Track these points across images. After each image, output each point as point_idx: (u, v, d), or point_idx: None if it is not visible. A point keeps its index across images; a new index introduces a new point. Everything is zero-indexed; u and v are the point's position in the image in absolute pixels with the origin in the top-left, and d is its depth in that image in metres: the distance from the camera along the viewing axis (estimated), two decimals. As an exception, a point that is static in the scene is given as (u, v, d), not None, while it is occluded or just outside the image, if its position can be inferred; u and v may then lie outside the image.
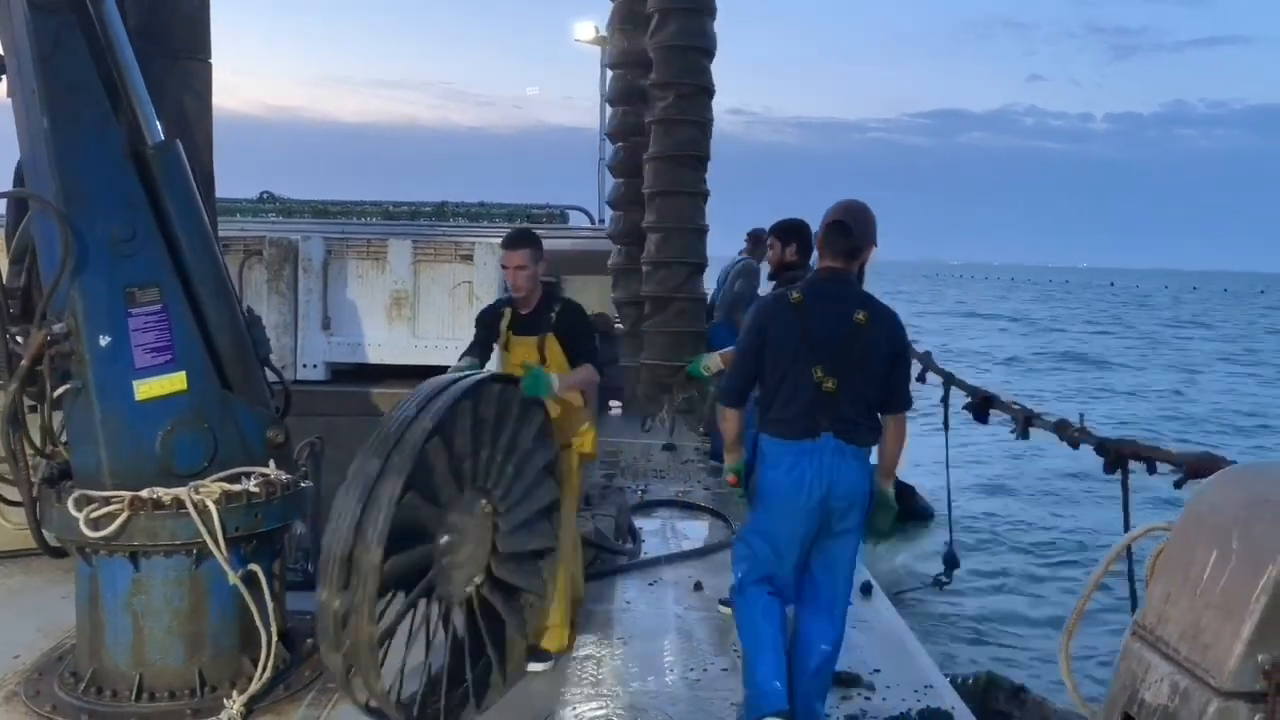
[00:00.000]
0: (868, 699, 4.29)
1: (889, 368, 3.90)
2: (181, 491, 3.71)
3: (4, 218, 3.92)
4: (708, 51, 7.90)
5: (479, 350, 4.61)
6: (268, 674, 3.86)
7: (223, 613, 3.87)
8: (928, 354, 9.02)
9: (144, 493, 3.66)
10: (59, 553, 3.88)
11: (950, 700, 4.32)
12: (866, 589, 5.78)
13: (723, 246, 8.89)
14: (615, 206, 9.24)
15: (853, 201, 4.06)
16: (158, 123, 3.91)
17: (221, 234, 4.88)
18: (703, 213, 8.05)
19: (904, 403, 4.02)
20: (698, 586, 5.64)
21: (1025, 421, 6.21)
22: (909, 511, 11.64)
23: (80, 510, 3.60)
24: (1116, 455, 4.94)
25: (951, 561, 8.18)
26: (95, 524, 3.61)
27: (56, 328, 3.60)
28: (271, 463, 4.05)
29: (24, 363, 3.57)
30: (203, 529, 3.68)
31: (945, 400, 8.00)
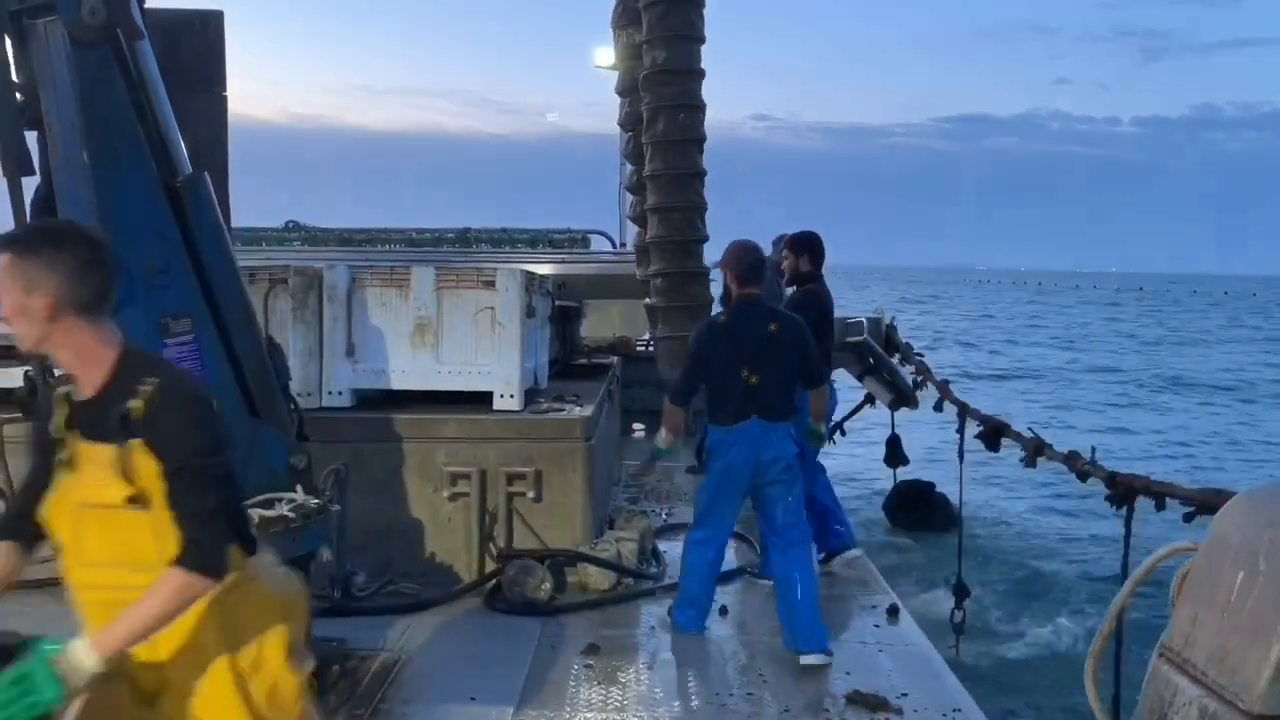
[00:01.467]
0: (895, 723, 4.26)
1: (801, 359, 5.19)
2: None
3: None
4: (696, 71, 8.57)
5: (33, 480, 2.46)
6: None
7: (249, 640, 3.88)
8: (945, 383, 9.15)
9: None
10: None
11: (979, 724, 4.28)
12: (893, 611, 5.74)
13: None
14: (634, 192, 9.73)
15: (748, 242, 5.41)
16: (185, 154, 3.99)
17: (247, 263, 4.94)
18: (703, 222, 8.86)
19: (817, 380, 5.44)
20: (723, 611, 5.61)
21: (1035, 451, 6.29)
22: (928, 507, 11.72)
23: None
24: (1126, 489, 4.94)
25: (962, 591, 8.18)
26: None
27: None
28: (299, 488, 4.09)
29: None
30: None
31: (961, 430, 8.08)
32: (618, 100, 10.27)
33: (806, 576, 5.10)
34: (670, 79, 8.37)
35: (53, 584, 5.33)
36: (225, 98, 4.23)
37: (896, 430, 11.04)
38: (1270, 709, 1.90)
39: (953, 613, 8.04)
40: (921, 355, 10.53)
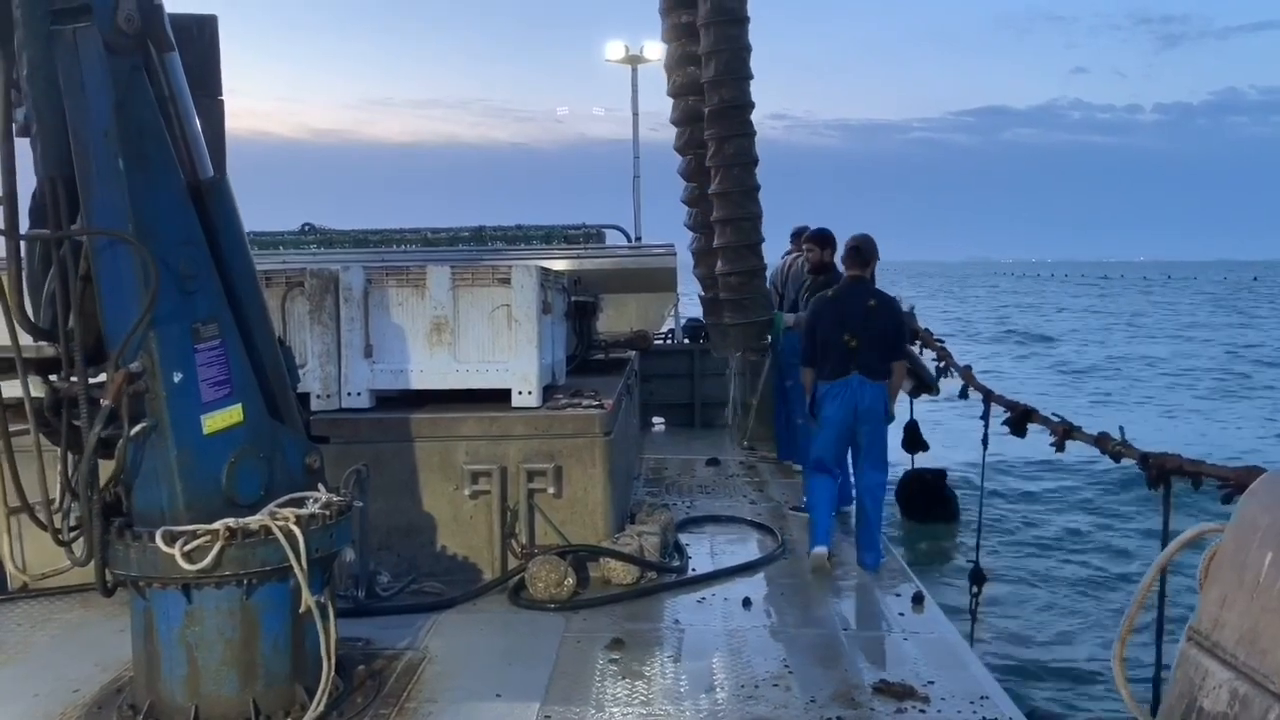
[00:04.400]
0: (922, 712, 4.23)
1: (894, 331, 6.60)
2: (265, 518, 3.78)
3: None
4: (750, 104, 10.49)
5: None
6: (324, 703, 3.90)
7: (274, 642, 3.91)
8: (968, 367, 9.12)
9: (230, 522, 3.72)
10: (110, 590, 3.93)
11: (1008, 711, 4.24)
12: (918, 599, 5.72)
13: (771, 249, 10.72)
14: (691, 205, 11.41)
15: (862, 234, 6.80)
16: (208, 158, 4.01)
17: (264, 267, 4.95)
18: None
19: (900, 355, 6.70)
20: (746, 603, 5.60)
21: (1064, 434, 6.32)
22: (939, 501, 11.69)
23: (172, 545, 3.64)
24: (1159, 470, 4.89)
25: (978, 578, 8.15)
26: (189, 557, 3.66)
27: (133, 366, 3.65)
28: (321, 486, 4.12)
29: (107, 403, 3.60)
30: (290, 553, 3.75)
31: (985, 417, 8.03)
32: (631, 103, 10.89)
33: (875, 503, 6.56)
34: (735, 113, 10.50)
35: (82, 589, 5.40)
36: (222, 102, 4.23)
37: (915, 417, 10.99)
38: (1302, 691, 1.87)
39: (972, 599, 8.01)
40: (942, 341, 10.49)
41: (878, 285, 6.93)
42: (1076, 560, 11.83)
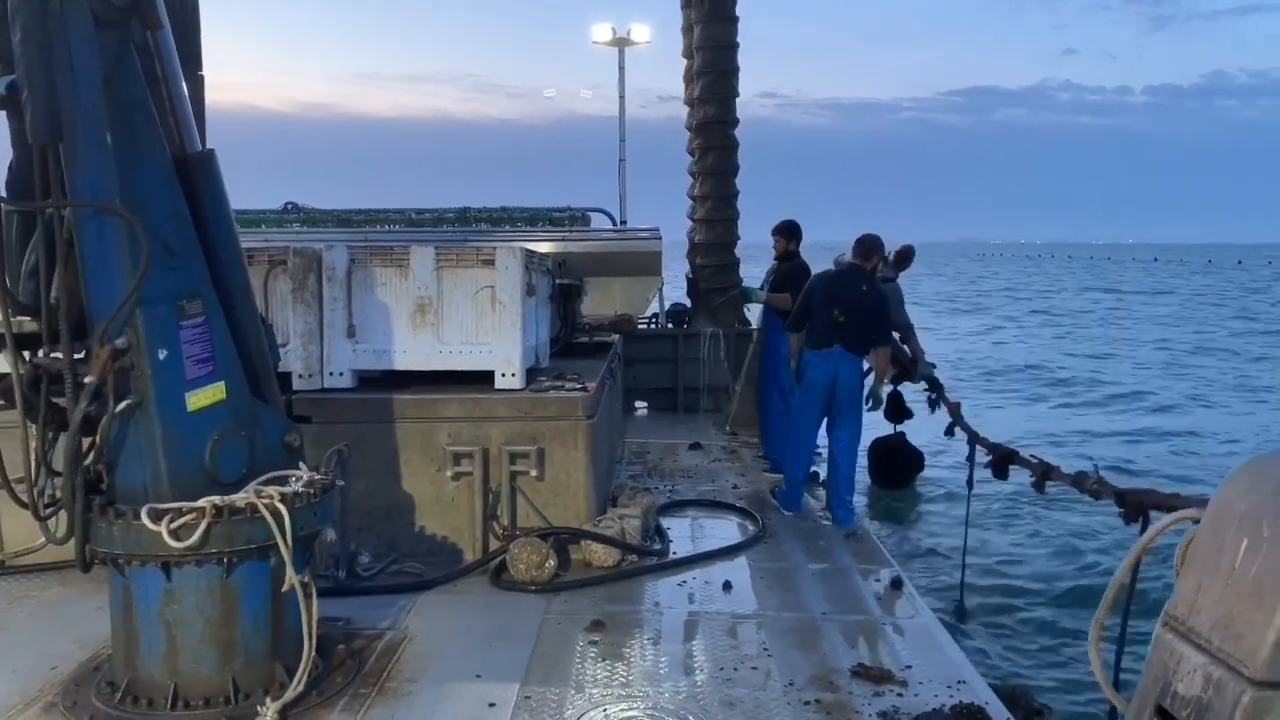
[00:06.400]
0: (900, 695, 4.27)
1: (878, 318, 7.40)
2: (251, 496, 3.77)
3: None
4: (734, 120, 12.55)
5: None
6: (304, 681, 3.89)
7: (254, 620, 3.90)
8: (957, 404, 9.33)
9: (216, 500, 3.71)
10: (89, 566, 3.91)
11: (984, 696, 4.28)
12: (897, 583, 5.76)
13: (758, 232, 11.67)
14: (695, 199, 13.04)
15: (872, 234, 7.59)
16: (196, 132, 3.98)
17: (246, 245, 4.93)
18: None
19: (882, 340, 7.57)
20: (726, 586, 5.63)
21: (1043, 475, 6.58)
22: (903, 461, 12.34)
23: (158, 522, 3.63)
24: (1138, 507, 5.01)
25: (961, 614, 8.28)
26: (175, 534, 3.64)
27: (119, 343, 3.62)
28: (302, 464, 4.11)
29: (92, 379, 3.57)
30: (276, 531, 3.74)
31: (970, 459, 8.22)
32: (619, 86, 13.87)
33: (848, 463, 7.30)
34: (719, 127, 12.34)
35: (61, 567, 5.38)
36: (202, 78, 4.19)
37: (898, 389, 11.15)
38: (1274, 675, 1.90)
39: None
40: (934, 365, 10.70)
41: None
42: (1063, 564, 11.85)
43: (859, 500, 9.56)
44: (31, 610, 5.15)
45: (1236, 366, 29.79)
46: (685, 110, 12.83)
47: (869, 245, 7.53)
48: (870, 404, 7.90)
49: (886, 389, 9.16)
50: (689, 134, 12.82)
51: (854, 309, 7.21)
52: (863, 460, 12.20)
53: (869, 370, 7.84)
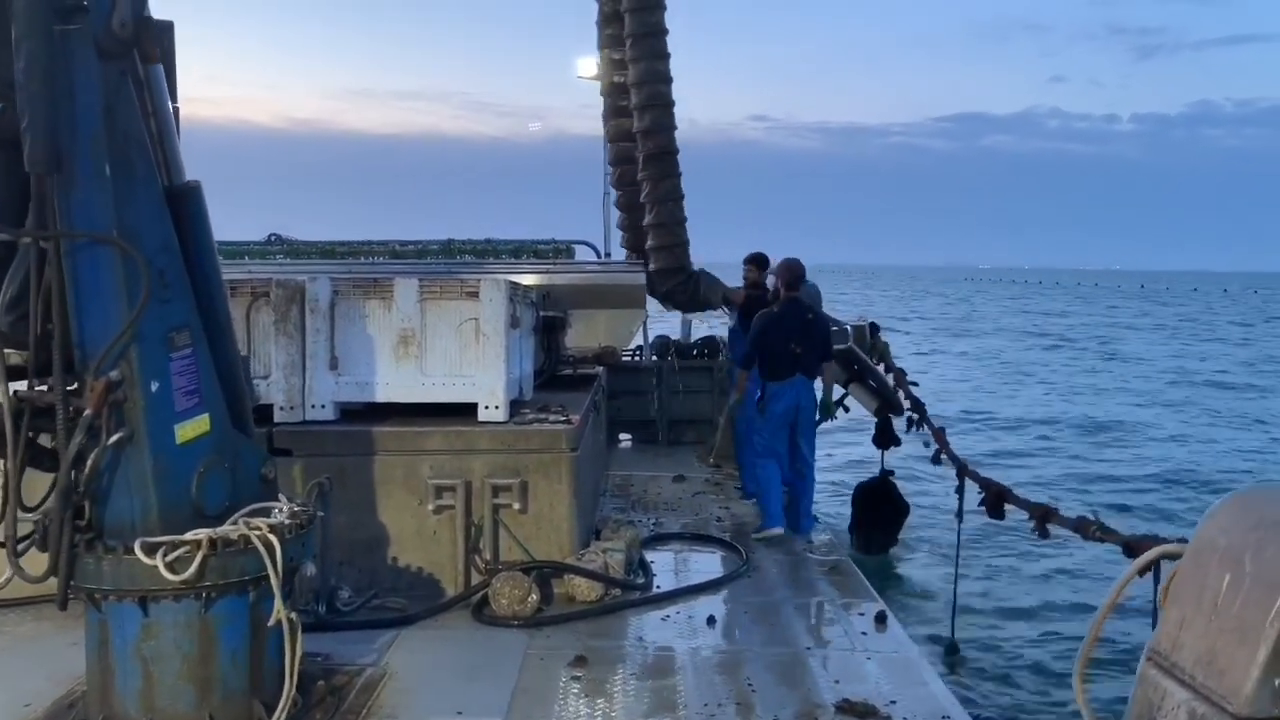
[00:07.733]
0: (884, 731, 4.24)
1: (823, 342, 8.21)
2: (242, 528, 3.74)
3: None
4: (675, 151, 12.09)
5: None
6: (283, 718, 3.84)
7: (233, 656, 3.84)
8: (941, 430, 9.22)
9: (210, 532, 3.68)
10: (64, 603, 3.85)
11: (968, 730, 4.26)
12: (881, 618, 5.73)
13: (734, 250, 11.62)
14: (621, 209, 12.99)
15: (795, 260, 8.18)
16: (183, 165, 3.99)
17: (229, 277, 4.91)
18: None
19: (829, 357, 8.49)
20: (710, 621, 5.60)
21: (1042, 519, 6.12)
22: (890, 510, 11.48)
23: (152, 556, 3.58)
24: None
25: (951, 649, 8.22)
26: (172, 568, 3.60)
27: (113, 375, 3.58)
28: (282, 497, 4.08)
29: (88, 412, 3.52)
30: (268, 562, 3.71)
31: (960, 490, 7.96)
32: (603, 120, 12.60)
33: (811, 474, 8.13)
34: (667, 158, 12.15)
35: (35, 602, 5.29)
36: (178, 109, 4.20)
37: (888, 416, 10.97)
38: (1258, 711, 1.90)
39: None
40: (916, 384, 10.51)
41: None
42: (1056, 590, 11.79)
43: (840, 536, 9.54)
44: (4, 646, 5.07)
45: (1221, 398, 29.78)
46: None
47: (795, 273, 8.08)
48: (821, 416, 8.71)
49: (837, 393, 9.90)
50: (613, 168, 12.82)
51: (805, 338, 7.92)
52: (845, 509, 12.04)
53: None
